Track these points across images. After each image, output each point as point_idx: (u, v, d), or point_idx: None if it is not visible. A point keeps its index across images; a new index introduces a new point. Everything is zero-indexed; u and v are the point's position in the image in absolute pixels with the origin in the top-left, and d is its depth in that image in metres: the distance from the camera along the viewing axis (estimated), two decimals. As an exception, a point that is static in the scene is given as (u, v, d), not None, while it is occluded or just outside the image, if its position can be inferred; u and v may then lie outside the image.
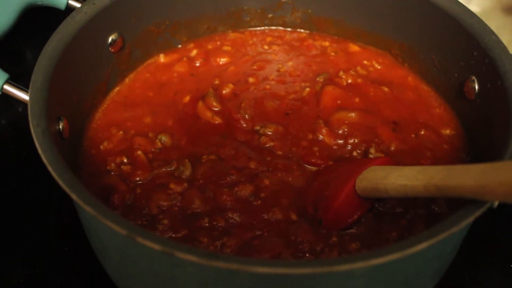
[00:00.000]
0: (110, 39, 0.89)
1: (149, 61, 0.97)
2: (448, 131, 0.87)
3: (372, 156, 0.83)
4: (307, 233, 0.74)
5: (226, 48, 1.00)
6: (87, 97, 0.87)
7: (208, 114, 0.89)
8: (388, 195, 0.71)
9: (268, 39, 1.02)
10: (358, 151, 0.84)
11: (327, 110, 0.89)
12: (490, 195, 0.59)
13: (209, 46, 1.00)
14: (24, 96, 0.78)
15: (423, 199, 0.77)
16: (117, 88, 0.93)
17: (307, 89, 0.93)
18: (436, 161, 0.83)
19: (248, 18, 1.03)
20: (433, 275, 0.76)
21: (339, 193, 0.74)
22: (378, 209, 0.77)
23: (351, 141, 0.85)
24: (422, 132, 0.86)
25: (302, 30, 1.04)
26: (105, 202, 0.77)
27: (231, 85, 0.93)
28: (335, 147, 0.85)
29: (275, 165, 0.82)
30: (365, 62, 0.98)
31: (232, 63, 0.98)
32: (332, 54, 0.99)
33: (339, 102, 0.90)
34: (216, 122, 0.88)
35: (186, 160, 0.82)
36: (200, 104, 0.90)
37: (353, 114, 0.87)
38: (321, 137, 0.85)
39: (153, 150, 0.84)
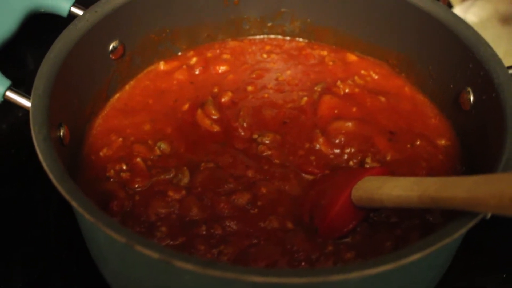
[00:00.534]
0: (111, 46, 0.90)
1: (149, 69, 0.98)
2: (443, 142, 0.88)
3: (368, 166, 0.83)
4: (303, 241, 0.74)
5: (225, 56, 1.01)
6: (88, 104, 0.88)
7: (207, 122, 0.90)
8: (383, 205, 0.72)
9: (267, 47, 1.03)
10: (355, 160, 0.85)
11: (325, 119, 0.90)
12: (482, 206, 0.60)
13: (209, 54, 1.01)
14: (26, 103, 0.79)
15: (418, 209, 0.77)
16: (117, 95, 0.94)
17: (305, 98, 0.93)
18: (431, 171, 0.84)
19: (247, 27, 1.04)
20: (427, 284, 0.76)
21: (335, 202, 0.75)
22: (373, 218, 0.78)
23: (348, 150, 0.86)
24: (418, 142, 0.87)
25: (300, 39, 1.05)
26: (104, 209, 0.77)
27: (230, 93, 0.94)
28: (331, 156, 0.86)
29: (272, 174, 0.83)
30: (362, 71, 0.99)
31: (231, 71, 0.98)
32: (330, 63, 1.00)
33: (336, 111, 0.91)
34: (215, 130, 0.89)
35: (185, 167, 0.83)
36: (199, 112, 0.91)
37: (350, 124, 0.88)
38: (318, 146, 0.86)
39: (152, 157, 0.85)
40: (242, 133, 0.89)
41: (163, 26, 0.97)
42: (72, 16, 0.92)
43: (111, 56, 0.91)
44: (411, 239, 0.76)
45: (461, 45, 0.84)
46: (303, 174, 0.84)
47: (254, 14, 1.03)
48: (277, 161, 0.85)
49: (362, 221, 0.77)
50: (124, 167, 0.83)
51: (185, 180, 0.82)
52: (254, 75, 0.98)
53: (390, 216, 0.78)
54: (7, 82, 0.80)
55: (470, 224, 0.62)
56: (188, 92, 0.95)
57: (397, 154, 0.86)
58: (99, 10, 0.86)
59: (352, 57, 1.01)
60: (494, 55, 0.81)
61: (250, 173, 0.83)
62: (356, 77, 0.97)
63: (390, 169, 0.82)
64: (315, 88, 0.95)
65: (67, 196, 0.63)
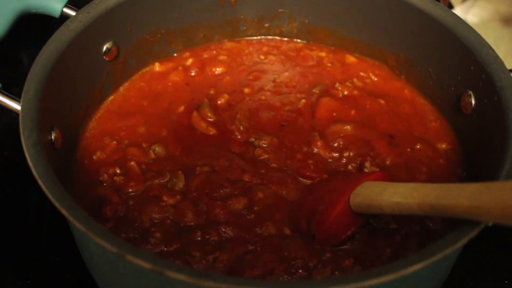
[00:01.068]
0: (104, 48, 0.89)
1: (144, 70, 0.97)
2: (444, 146, 0.87)
3: (367, 170, 0.82)
4: (300, 248, 0.73)
5: (222, 57, 0.99)
6: (81, 106, 0.87)
7: (203, 124, 0.88)
8: (382, 211, 0.70)
9: (265, 48, 1.02)
10: (353, 164, 0.84)
11: (323, 122, 0.88)
12: (485, 216, 0.59)
13: (205, 55, 0.99)
14: (16, 106, 0.77)
15: (418, 216, 0.76)
16: (112, 97, 0.93)
17: (303, 100, 0.92)
18: (431, 176, 0.83)
19: (244, 27, 1.02)
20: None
21: (332, 208, 0.74)
22: (373, 224, 0.77)
23: (346, 154, 0.85)
24: (418, 146, 0.86)
25: (298, 40, 1.03)
26: (97, 214, 0.76)
27: (226, 96, 0.92)
28: (330, 160, 0.84)
29: (269, 178, 0.81)
30: (361, 73, 0.97)
31: (227, 73, 0.97)
32: (329, 65, 0.99)
33: (335, 114, 0.89)
34: (211, 133, 0.88)
35: (180, 171, 0.81)
36: (195, 114, 0.89)
37: (348, 127, 0.87)
38: (316, 150, 0.85)
39: (146, 161, 0.83)
40: (239, 136, 0.87)
41: (158, 27, 0.95)
42: (64, 17, 0.90)
43: (104, 57, 0.89)
44: (411, 245, 0.75)
45: (462, 47, 0.83)
46: (301, 179, 0.82)
47: (251, 15, 1.01)
48: (274, 165, 0.83)
49: (361, 228, 0.76)
50: (118, 171, 0.82)
51: (180, 184, 0.80)
52: (251, 77, 0.96)
53: (390, 222, 0.77)
54: (-3, 85, 0.79)
55: (472, 234, 0.60)
56: (184, 94, 0.93)
57: (396, 158, 0.85)
58: (92, 11, 0.85)
59: (351, 59, 1.00)
60: (496, 57, 0.79)
61: (246, 178, 0.81)
62: (355, 79, 0.96)
63: (390, 174, 0.80)
64: (313, 90, 0.93)
65: (57, 204, 0.61)
